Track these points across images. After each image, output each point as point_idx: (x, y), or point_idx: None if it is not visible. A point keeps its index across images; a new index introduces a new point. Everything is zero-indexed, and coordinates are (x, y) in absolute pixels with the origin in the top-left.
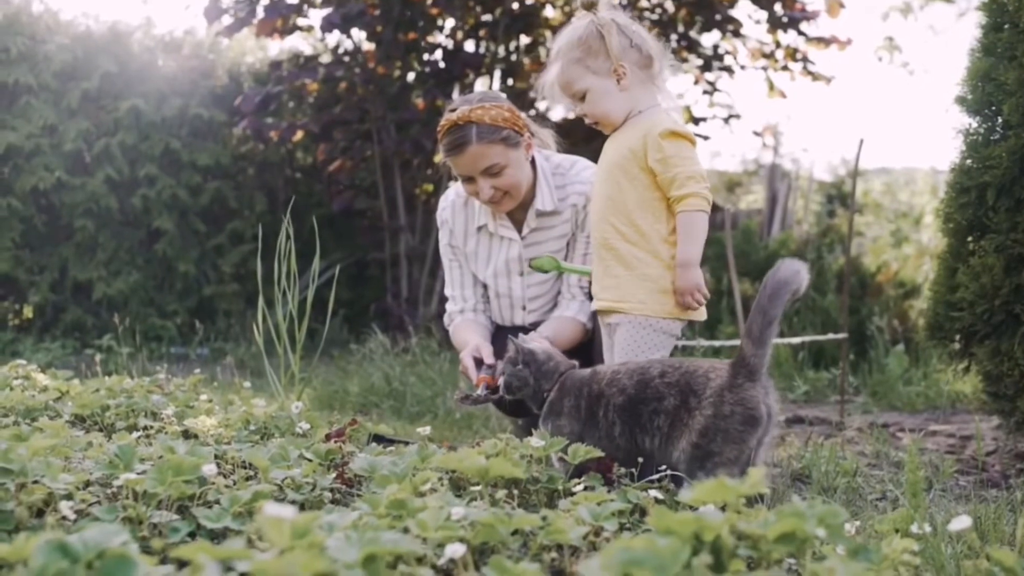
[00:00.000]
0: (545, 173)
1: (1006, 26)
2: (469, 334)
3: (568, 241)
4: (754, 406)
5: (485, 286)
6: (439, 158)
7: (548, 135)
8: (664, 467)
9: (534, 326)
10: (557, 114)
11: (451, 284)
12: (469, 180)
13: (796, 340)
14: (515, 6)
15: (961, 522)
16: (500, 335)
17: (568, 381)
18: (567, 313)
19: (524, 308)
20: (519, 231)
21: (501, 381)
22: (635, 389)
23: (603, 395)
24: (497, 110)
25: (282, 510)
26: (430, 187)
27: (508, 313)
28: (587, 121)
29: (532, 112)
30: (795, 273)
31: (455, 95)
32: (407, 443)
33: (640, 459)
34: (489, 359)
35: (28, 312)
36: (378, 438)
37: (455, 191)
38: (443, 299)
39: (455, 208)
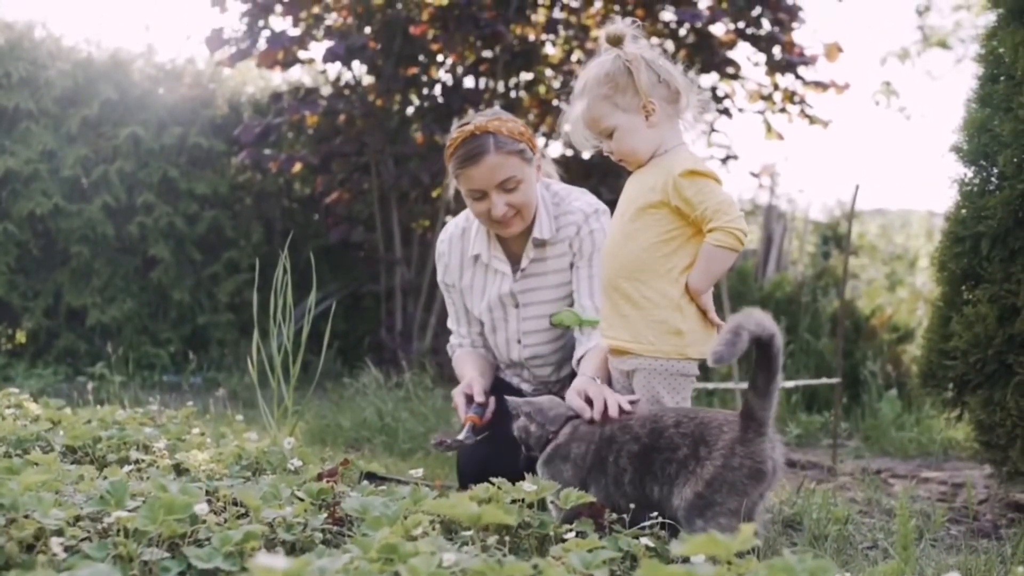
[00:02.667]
0: (546, 201)
1: (1002, 78)
2: (466, 367)
3: (571, 272)
4: (762, 460)
5: (481, 322)
6: (438, 192)
7: (550, 165)
8: (656, 514)
9: (538, 389)
10: (555, 150)
11: (451, 319)
12: (481, 197)
13: (790, 384)
14: (515, 43)
15: None
16: (500, 385)
17: (581, 428)
18: (591, 343)
19: (519, 342)
20: (517, 264)
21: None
22: (649, 438)
23: (614, 441)
24: (513, 124)
25: (273, 560)
26: (427, 222)
27: (504, 349)
28: (613, 158)
29: None
30: (772, 331)
31: None
32: (399, 481)
33: (645, 506)
34: (479, 397)
35: (21, 337)
36: (370, 476)
37: (454, 223)
38: (436, 334)
39: (452, 241)
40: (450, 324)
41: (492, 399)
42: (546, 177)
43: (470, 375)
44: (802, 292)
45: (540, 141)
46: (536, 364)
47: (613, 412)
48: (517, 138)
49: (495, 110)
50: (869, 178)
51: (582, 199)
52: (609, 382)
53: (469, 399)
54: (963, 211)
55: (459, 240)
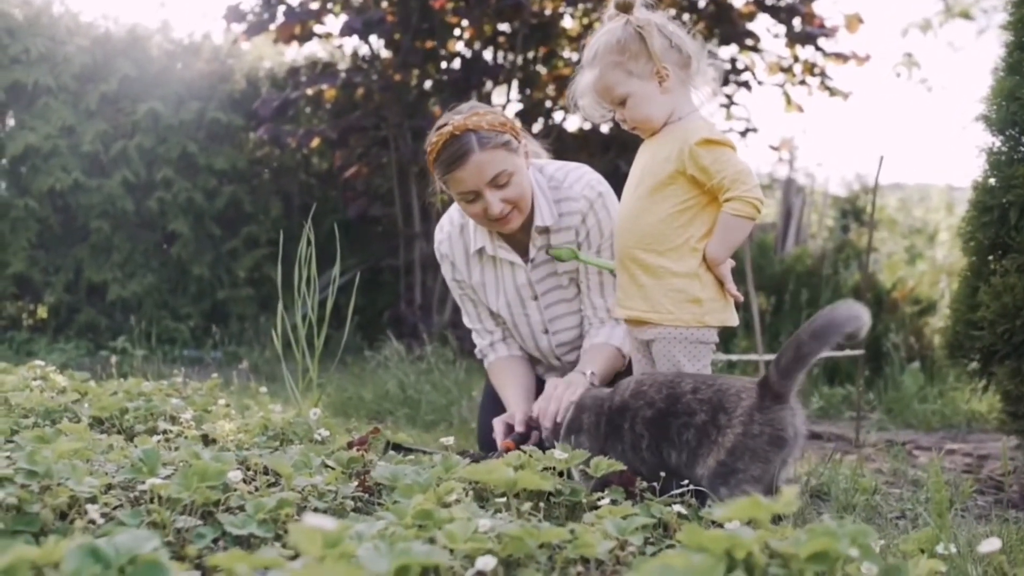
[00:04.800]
0: (542, 187)
1: None
2: (506, 387)
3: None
4: (782, 427)
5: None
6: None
7: (535, 144)
8: (686, 482)
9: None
10: (572, 124)
11: (469, 318)
12: (474, 198)
13: None
14: (533, 16)
15: (990, 544)
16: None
17: (587, 399)
18: (597, 340)
19: (546, 331)
20: (524, 252)
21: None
22: (665, 403)
23: (628, 408)
24: (492, 115)
25: (323, 521)
26: (445, 196)
27: (530, 341)
28: (625, 126)
29: (549, 122)
30: (854, 317)
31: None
32: (425, 452)
33: (664, 474)
34: (520, 427)
35: (42, 312)
36: (396, 447)
37: (448, 220)
38: (456, 308)
39: (452, 239)
40: (468, 323)
41: (535, 433)
42: (535, 158)
43: (513, 401)
44: (823, 265)
45: (558, 115)
46: (564, 351)
47: (546, 421)
48: (499, 130)
49: (471, 104)
50: (887, 151)
51: (581, 180)
52: (612, 381)
53: (510, 427)
54: (991, 180)
55: (459, 237)
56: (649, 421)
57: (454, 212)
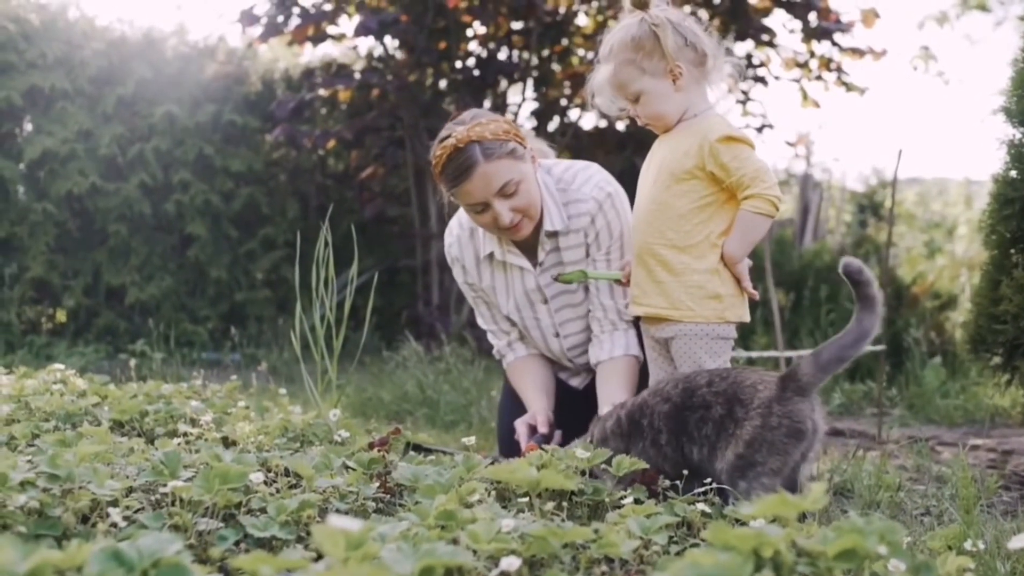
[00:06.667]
0: (549, 189)
1: None
2: (526, 387)
3: (588, 264)
4: (801, 420)
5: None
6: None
7: (541, 143)
8: (709, 480)
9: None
10: (588, 122)
11: (483, 319)
12: (483, 209)
13: None
14: (547, 15)
15: (1020, 540)
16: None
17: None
18: (617, 352)
19: (557, 335)
20: (533, 256)
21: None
22: (681, 397)
23: (646, 405)
24: (495, 124)
25: (347, 522)
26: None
27: (543, 344)
28: (639, 121)
29: (564, 120)
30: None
31: (487, 104)
32: (446, 452)
33: (686, 468)
34: (543, 428)
35: (61, 316)
36: (416, 447)
37: (457, 223)
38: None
39: (461, 242)
40: (483, 324)
41: (558, 433)
42: (542, 158)
43: (534, 401)
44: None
45: (574, 113)
46: (576, 353)
47: None
48: (503, 138)
49: (473, 112)
50: (905, 146)
51: (589, 181)
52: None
53: (532, 429)
54: (1012, 173)
55: (469, 241)
56: (665, 416)
57: (463, 215)
